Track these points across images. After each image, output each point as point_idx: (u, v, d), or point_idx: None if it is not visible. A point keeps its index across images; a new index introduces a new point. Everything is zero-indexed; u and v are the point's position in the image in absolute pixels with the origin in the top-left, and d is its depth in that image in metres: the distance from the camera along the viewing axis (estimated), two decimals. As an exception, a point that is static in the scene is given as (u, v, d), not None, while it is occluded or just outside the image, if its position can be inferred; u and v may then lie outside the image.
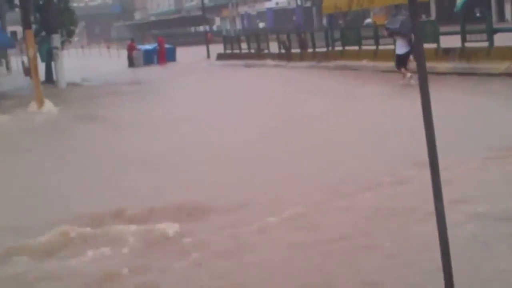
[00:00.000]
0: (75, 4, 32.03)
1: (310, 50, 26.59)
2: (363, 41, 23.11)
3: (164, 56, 36.91)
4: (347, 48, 24.14)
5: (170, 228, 6.37)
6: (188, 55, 39.29)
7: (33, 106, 18.80)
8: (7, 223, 7.24)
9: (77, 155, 11.43)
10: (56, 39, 26.51)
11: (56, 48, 26.36)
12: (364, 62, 22.21)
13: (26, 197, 8.56)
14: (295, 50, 27.71)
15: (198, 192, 7.84)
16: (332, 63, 24.12)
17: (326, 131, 11.40)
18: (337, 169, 8.35)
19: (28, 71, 30.22)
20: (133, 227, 6.50)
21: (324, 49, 25.47)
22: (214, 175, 8.71)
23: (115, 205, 7.34)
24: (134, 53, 36.82)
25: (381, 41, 21.45)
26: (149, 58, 36.78)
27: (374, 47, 22.28)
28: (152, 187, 8.32)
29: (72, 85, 26.68)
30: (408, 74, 16.41)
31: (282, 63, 27.70)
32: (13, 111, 18.35)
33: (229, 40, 35.82)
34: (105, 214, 7.04)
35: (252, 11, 71.31)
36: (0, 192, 9.03)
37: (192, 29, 70.60)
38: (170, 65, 35.26)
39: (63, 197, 8.31)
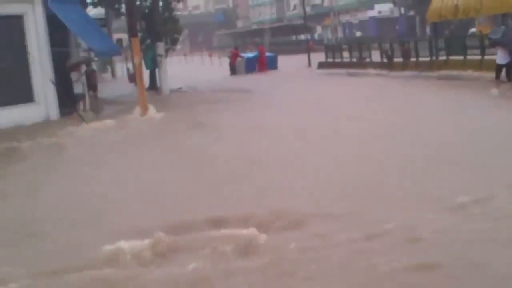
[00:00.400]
0: (179, 13, 32.56)
1: (413, 59, 26.24)
2: (468, 51, 22.61)
3: (265, 64, 37.03)
4: (451, 57, 23.64)
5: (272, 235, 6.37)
6: (289, 63, 39.24)
7: (137, 111, 19.22)
8: (125, 225, 7.38)
9: (180, 160, 11.70)
10: (161, 47, 27.16)
11: (161, 55, 27.00)
12: (469, 72, 21.63)
13: (139, 198, 8.84)
14: (398, 60, 27.33)
15: (301, 201, 7.83)
16: (436, 73, 23.62)
17: (431, 145, 11.01)
18: (441, 184, 8.09)
19: (132, 77, 31.08)
20: (231, 234, 6.55)
21: (428, 59, 25.03)
22: (315, 185, 8.71)
23: (219, 211, 7.45)
24: (237, 60, 37.17)
25: (487, 51, 20.94)
26: (251, 66, 36.98)
27: (479, 57, 21.76)
28: (254, 194, 8.39)
29: (175, 92, 27.19)
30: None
31: (384, 72, 27.28)
32: (119, 116, 18.85)
33: (331, 48, 35.57)
34: (206, 220, 7.14)
35: (354, 20, 70.68)
36: (120, 193, 9.33)
37: (293, 37, 70.63)
38: (271, 73, 35.31)
39: (170, 201, 8.49)
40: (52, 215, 8.34)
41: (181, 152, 12.63)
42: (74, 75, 20.41)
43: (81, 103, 20.51)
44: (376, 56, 29.20)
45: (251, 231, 6.53)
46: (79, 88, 20.52)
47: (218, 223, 7.05)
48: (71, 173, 11.30)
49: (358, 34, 64.83)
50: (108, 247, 6.33)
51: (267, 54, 38.76)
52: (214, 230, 6.79)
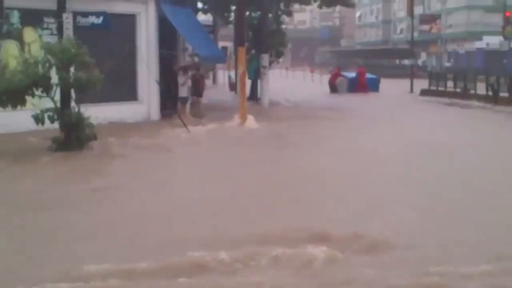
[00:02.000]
0: (285, 27, 32.54)
1: (520, 95, 25.32)
2: None
3: (365, 85, 36.54)
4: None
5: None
6: (391, 87, 38.61)
7: (236, 119, 19.25)
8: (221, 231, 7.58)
9: (275, 172, 11.68)
10: (265, 59, 27.21)
11: (264, 67, 27.03)
12: None
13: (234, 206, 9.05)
14: (504, 94, 26.33)
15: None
16: (544, 111, 22.69)
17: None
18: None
19: (233, 86, 31.36)
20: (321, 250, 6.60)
21: (536, 96, 24.12)
22: (405, 214, 8.54)
23: (321, 226, 7.55)
24: (339, 79, 36.87)
25: None
26: (352, 86, 36.61)
27: None
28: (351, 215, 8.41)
29: (274, 104, 27.15)
30: None
31: (488, 105, 26.27)
32: (219, 122, 19.03)
33: (435, 76, 34.68)
34: (307, 236, 7.18)
35: (461, 50, 68.95)
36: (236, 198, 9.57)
37: (397, 61, 69.54)
38: (372, 95, 34.79)
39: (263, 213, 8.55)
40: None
41: (280, 167, 12.49)
42: (181, 79, 20.66)
43: (184, 107, 20.72)
44: (481, 89, 28.27)
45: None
46: (184, 91, 20.74)
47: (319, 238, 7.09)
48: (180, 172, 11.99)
49: (463, 64, 63.37)
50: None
51: (369, 76, 38.24)
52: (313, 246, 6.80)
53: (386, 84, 39.02)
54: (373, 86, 37.11)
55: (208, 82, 42.93)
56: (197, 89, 21.70)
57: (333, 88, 36.64)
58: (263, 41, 27.44)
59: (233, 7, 29.30)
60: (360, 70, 38.52)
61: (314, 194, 9.89)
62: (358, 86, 36.52)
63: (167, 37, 21.10)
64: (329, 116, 22.37)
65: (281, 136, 17.05)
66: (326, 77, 40.45)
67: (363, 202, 9.18)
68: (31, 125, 14.14)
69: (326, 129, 18.80)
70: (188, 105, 21.08)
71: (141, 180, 10.97)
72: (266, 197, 9.63)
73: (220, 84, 41.15)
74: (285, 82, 46.44)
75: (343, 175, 11.42)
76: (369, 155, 13.80)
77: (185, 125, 17.69)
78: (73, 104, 14.42)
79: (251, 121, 19.18)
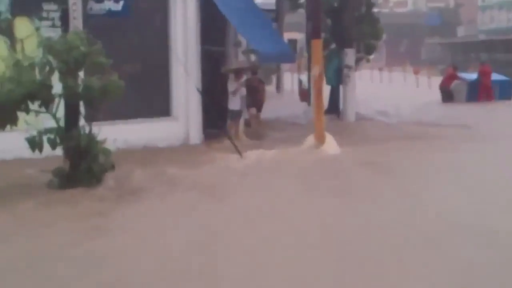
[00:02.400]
0: (377, 10, 32.16)
1: None
2: None
3: (490, 90, 35.96)
4: None
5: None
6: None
7: (310, 141, 19.13)
8: None
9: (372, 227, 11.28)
10: (350, 56, 27.05)
11: (349, 67, 26.85)
12: None
13: None
14: None
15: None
16: None
17: None
18: None
19: (305, 94, 31.18)
20: None
21: None
22: None
23: None
24: (454, 83, 36.39)
25: None
26: (473, 92, 36.09)
27: None
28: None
29: (363, 119, 27.09)
30: None
31: None
32: (285, 145, 19.11)
33: None
34: None
35: None
36: None
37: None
38: (502, 104, 34.18)
39: None
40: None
41: (379, 218, 11.96)
42: (232, 85, 20.68)
43: (236, 124, 20.71)
44: None
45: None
46: (236, 103, 20.73)
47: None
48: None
49: None
50: None
51: (497, 77, 37.59)
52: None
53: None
54: (504, 92, 36.44)
55: (270, 89, 43.08)
56: (255, 100, 21.71)
57: (447, 95, 36.18)
58: (347, 31, 27.31)
59: (305, -16, 29.36)
60: (484, 69, 37.82)
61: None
62: (481, 91, 35.97)
63: (213, 27, 21.18)
64: (444, 136, 22.13)
65: (375, 166, 16.79)
66: (437, 80, 39.93)
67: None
68: (24, 151, 14.22)
69: (442, 155, 18.52)
70: (241, 122, 21.06)
71: (176, 239, 10.57)
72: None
73: (287, 92, 41.08)
74: (379, 88, 45.99)
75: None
76: None
77: (237, 150, 17.73)
78: (82, 122, 14.35)
79: (330, 143, 19.10)
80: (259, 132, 21.34)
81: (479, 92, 36.00)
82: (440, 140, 21.15)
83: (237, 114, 20.86)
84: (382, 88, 46.53)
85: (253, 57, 24.77)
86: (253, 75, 22.39)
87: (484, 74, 37.10)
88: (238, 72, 21.11)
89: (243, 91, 21.20)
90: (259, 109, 22.22)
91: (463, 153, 18.81)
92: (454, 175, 15.58)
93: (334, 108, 28.02)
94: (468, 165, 16.97)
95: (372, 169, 16.36)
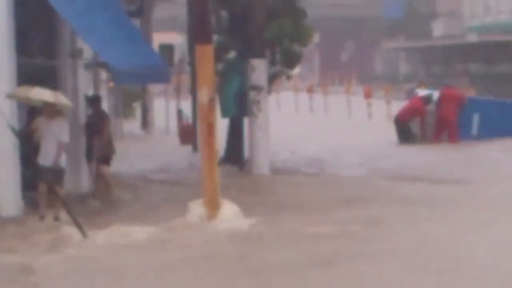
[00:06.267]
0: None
1: None
2: None
3: (451, 126, 36.82)
4: None
5: None
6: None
7: (197, 211, 19.27)
8: None
9: None
10: (260, 70, 26.97)
11: (258, 89, 26.79)
12: None
13: None
14: None
15: None
16: None
17: None
18: None
19: (187, 133, 31.35)
20: None
21: None
22: None
23: None
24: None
25: None
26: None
27: None
28: None
29: (281, 172, 27.45)
30: None
31: None
32: (159, 220, 19.31)
33: None
34: None
35: None
36: None
37: None
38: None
39: None
40: None
41: None
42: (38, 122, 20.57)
43: (56, 190, 20.47)
44: None
45: None
46: (47, 154, 20.49)
47: None
48: None
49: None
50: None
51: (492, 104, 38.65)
52: None
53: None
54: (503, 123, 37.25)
55: (132, 126, 43.23)
56: (92, 146, 21.72)
57: (404, 132, 37.54)
58: (254, 31, 27.33)
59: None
60: (447, 93, 38.55)
61: None
62: (438, 126, 37.58)
63: (36, 29, 21.09)
64: (411, 198, 22.50)
65: (302, 251, 16.82)
66: (399, 105, 40.63)
67: None
68: None
69: (416, 232, 18.76)
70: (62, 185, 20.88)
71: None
72: None
73: (158, 130, 41.35)
74: (308, 121, 46.88)
75: None
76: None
77: (79, 227, 18.08)
78: None
79: (228, 213, 19.42)
80: (108, 198, 21.31)
81: (435, 127, 36.86)
82: (407, 206, 21.47)
83: (53, 174, 20.60)
84: (313, 121, 47.38)
85: (106, 75, 24.79)
86: (93, 105, 22.33)
87: (446, 101, 37.82)
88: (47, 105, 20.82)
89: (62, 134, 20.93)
90: (103, 160, 22.13)
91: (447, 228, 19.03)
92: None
93: (234, 154, 28.00)
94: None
95: (299, 258, 16.29)
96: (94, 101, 22.98)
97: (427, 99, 38.80)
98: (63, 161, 20.66)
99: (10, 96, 20.06)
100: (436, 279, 14.94)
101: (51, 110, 20.40)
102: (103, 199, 21.60)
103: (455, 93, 38.96)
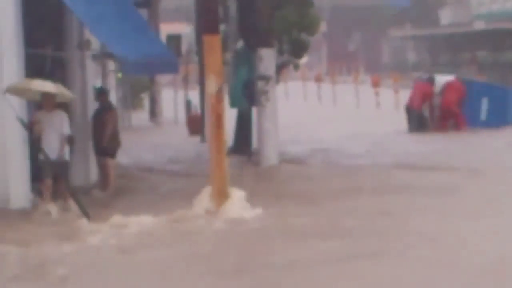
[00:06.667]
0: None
1: None
2: None
3: (456, 114, 36.70)
4: None
5: None
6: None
7: (204, 201, 19.26)
8: None
9: None
10: (268, 60, 26.99)
11: (265, 79, 26.76)
12: None
13: None
14: None
15: None
16: None
17: None
18: None
19: (195, 124, 31.31)
20: None
21: None
22: None
23: None
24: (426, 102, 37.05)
25: None
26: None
27: None
28: None
29: (289, 162, 27.47)
30: None
31: None
32: (165, 210, 19.15)
33: None
34: None
35: None
36: None
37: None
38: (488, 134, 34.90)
39: None
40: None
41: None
42: (38, 115, 20.54)
43: (60, 183, 20.49)
44: None
45: None
46: (50, 148, 20.47)
47: None
48: None
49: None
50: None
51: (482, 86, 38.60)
52: None
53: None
54: (498, 112, 37.22)
55: (141, 116, 43.16)
56: (97, 137, 21.66)
57: (415, 121, 37.44)
58: (261, 20, 27.30)
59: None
60: (453, 85, 38.44)
61: None
62: (442, 115, 37.47)
63: (44, 20, 21.05)
64: (424, 188, 22.25)
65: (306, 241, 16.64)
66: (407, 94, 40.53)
67: None
68: None
69: (422, 220, 18.51)
70: (67, 176, 20.88)
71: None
72: None
73: (167, 120, 41.28)
74: (316, 111, 46.74)
75: None
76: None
77: (83, 212, 18.45)
78: None
79: (237, 203, 19.32)
80: (111, 190, 21.34)
81: (441, 116, 36.89)
82: (420, 196, 21.19)
83: (53, 167, 20.55)
84: (321, 111, 47.19)
85: (113, 66, 24.73)
86: (101, 97, 22.30)
87: (448, 92, 37.67)
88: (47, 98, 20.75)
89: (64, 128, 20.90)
90: (110, 153, 22.10)
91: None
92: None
93: (243, 145, 28.08)
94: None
95: (310, 251, 16.06)
96: (100, 94, 22.80)
97: (431, 80, 38.80)
98: (67, 153, 20.67)
99: (9, 90, 19.99)
100: (448, 273, 14.32)
101: (51, 103, 20.39)
102: (108, 191, 21.47)
103: (456, 84, 38.77)
